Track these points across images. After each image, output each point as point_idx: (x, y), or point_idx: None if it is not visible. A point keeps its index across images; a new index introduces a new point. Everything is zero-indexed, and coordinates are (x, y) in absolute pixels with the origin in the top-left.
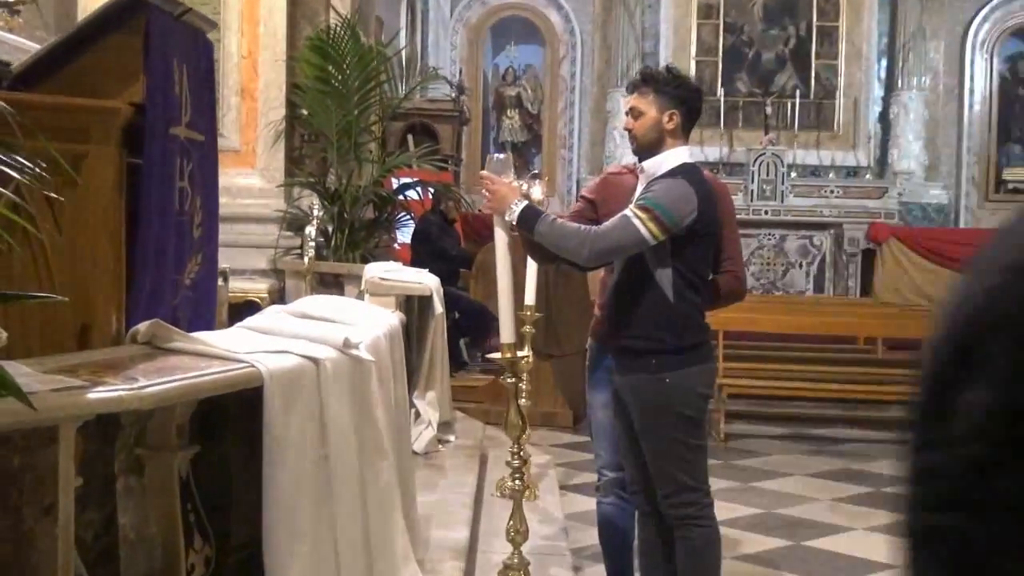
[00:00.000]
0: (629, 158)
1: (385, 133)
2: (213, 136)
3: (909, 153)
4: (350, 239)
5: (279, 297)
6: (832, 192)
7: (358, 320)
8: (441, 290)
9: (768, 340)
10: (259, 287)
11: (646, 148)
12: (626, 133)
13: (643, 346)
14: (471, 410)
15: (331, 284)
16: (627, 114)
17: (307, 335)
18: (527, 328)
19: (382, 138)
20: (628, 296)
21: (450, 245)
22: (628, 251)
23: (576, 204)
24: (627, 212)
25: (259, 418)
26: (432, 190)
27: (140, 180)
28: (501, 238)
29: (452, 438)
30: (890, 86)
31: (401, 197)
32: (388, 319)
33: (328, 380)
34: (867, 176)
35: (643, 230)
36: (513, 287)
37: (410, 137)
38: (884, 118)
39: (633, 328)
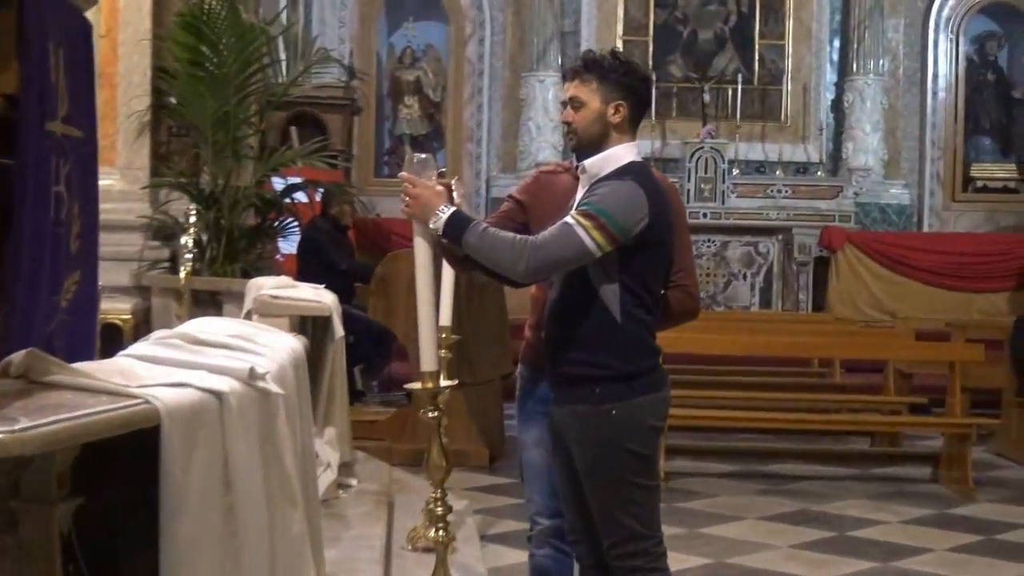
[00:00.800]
0: (546, 154)
1: (265, 125)
2: (93, 133)
3: (866, 147)
4: (228, 250)
5: (144, 319)
6: (780, 192)
7: (260, 346)
8: (340, 309)
9: (710, 363)
10: (121, 307)
11: (588, 144)
12: (548, 126)
13: (585, 372)
14: (372, 448)
15: (207, 303)
16: (564, 105)
17: (206, 365)
18: (443, 353)
19: (263, 131)
20: (568, 315)
21: (341, 256)
22: (570, 264)
23: (503, 205)
24: (568, 220)
25: (153, 463)
26: (321, 191)
27: (10, 184)
28: (422, 249)
29: (354, 482)
30: (844, 70)
31: (288, 200)
32: (291, 345)
33: (233, 417)
34: (819, 173)
35: (587, 240)
36: (436, 309)
37: (294, 130)
38: (837, 107)
39: (573, 352)
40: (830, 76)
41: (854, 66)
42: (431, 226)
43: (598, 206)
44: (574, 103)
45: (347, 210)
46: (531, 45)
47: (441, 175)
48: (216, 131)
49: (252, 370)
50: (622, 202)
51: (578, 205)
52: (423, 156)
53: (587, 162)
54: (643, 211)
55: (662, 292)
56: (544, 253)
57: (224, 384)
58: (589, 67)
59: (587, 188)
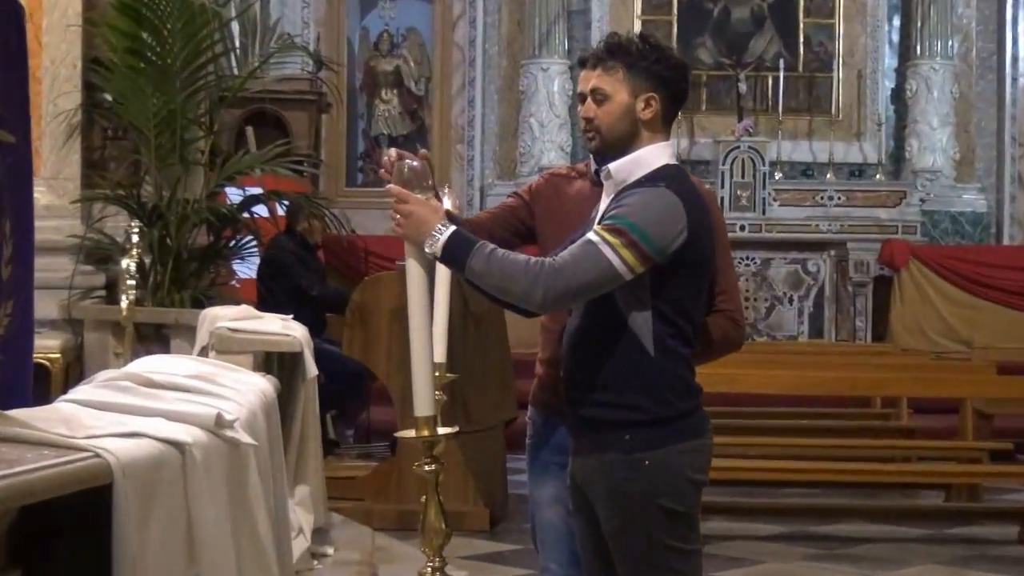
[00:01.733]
0: (551, 157)
1: (218, 126)
2: (27, 137)
3: (933, 144)
4: (176, 275)
5: (76, 358)
6: (831, 199)
7: (224, 388)
8: (312, 344)
9: (750, 405)
10: (48, 344)
11: (612, 145)
12: (554, 123)
13: (613, 416)
14: (350, 510)
15: (151, 338)
16: (583, 98)
17: (163, 411)
18: (437, 394)
19: (215, 133)
20: (592, 349)
21: (310, 281)
22: (596, 290)
23: (506, 200)
24: (592, 236)
25: (104, 528)
26: (286, 204)
27: None
28: (416, 275)
29: (330, 550)
30: (906, 53)
31: (246, 215)
32: (260, 386)
33: (198, 473)
34: (878, 176)
35: (616, 260)
36: (432, 342)
37: (251, 131)
38: (899, 97)
39: (598, 392)
40: (889, 60)
41: (918, 48)
42: (427, 249)
43: (628, 219)
44: (596, 96)
45: (316, 226)
46: (532, 27)
47: (413, 171)
48: (160, 133)
49: (219, 416)
50: (656, 214)
51: (602, 218)
52: (415, 164)
53: (613, 166)
54: (680, 224)
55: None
56: (565, 278)
57: (186, 434)
58: (614, 53)
59: (612, 197)
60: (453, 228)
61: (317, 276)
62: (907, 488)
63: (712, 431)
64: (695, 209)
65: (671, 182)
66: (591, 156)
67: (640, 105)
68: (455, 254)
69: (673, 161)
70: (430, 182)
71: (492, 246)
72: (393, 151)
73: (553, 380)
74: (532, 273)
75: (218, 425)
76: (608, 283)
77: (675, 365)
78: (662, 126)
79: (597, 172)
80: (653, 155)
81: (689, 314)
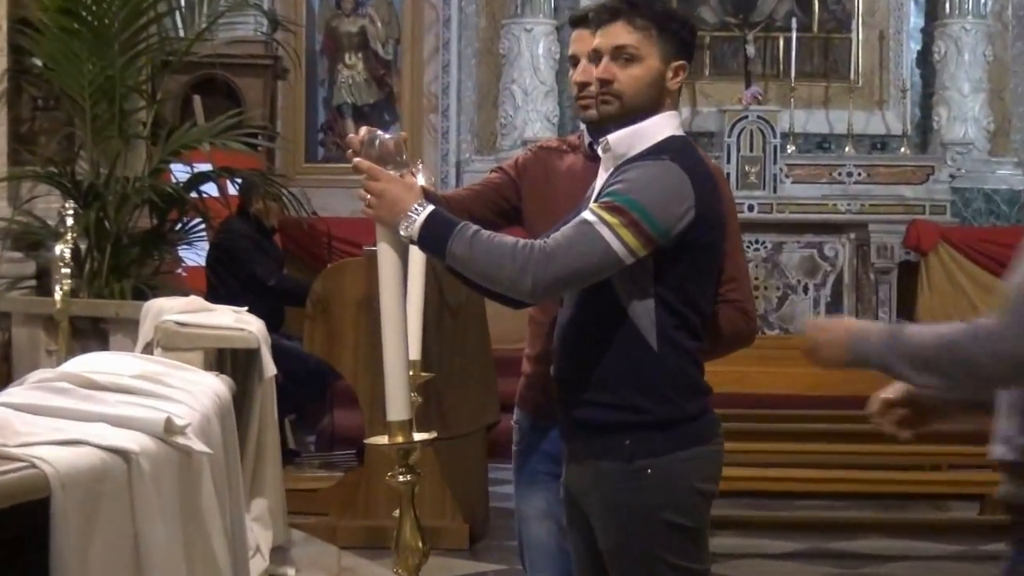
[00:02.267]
0: (536, 129)
1: (161, 95)
2: None
3: (964, 114)
4: (116, 262)
5: (3, 356)
6: (850, 175)
7: (174, 390)
8: (269, 340)
9: (762, 406)
10: None
11: (630, 114)
12: (539, 90)
13: (611, 419)
14: (313, 526)
15: (88, 333)
16: (600, 57)
17: (106, 416)
18: (412, 396)
19: (158, 102)
20: (586, 343)
21: (267, 269)
22: (593, 276)
23: (488, 175)
24: (588, 216)
25: (42, 548)
26: (238, 183)
27: None
28: (388, 261)
29: (291, 571)
30: (934, 12)
31: (194, 194)
32: (214, 388)
33: (145, 484)
34: (902, 150)
35: (615, 242)
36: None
37: (198, 100)
38: (926, 61)
39: (595, 392)
40: (915, 20)
41: (947, 5)
42: (402, 232)
43: (628, 196)
44: (622, 54)
45: (273, 207)
46: None
47: (386, 144)
48: (96, 103)
49: (169, 421)
50: (660, 191)
51: (599, 196)
52: (386, 135)
53: (612, 137)
54: (687, 202)
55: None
56: (558, 264)
57: (132, 441)
58: (642, 9)
59: (611, 173)
60: (431, 208)
61: (274, 264)
62: (937, 499)
63: (723, 436)
64: (704, 186)
65: (677, 155)
66: (584, 127)
67: (670, 73)
68: (434, 237)
69: (680, 132)
70: (403, 156)
71: (475, 227)
72: (363, 130)
73: (542, 379)
74: (521, 258)
75: (168, 431)
76: (606, 268)
77: (680, 361)
78: (677, 97)
79: (592, 145)
80: (657, 126)
81: (696, 304)
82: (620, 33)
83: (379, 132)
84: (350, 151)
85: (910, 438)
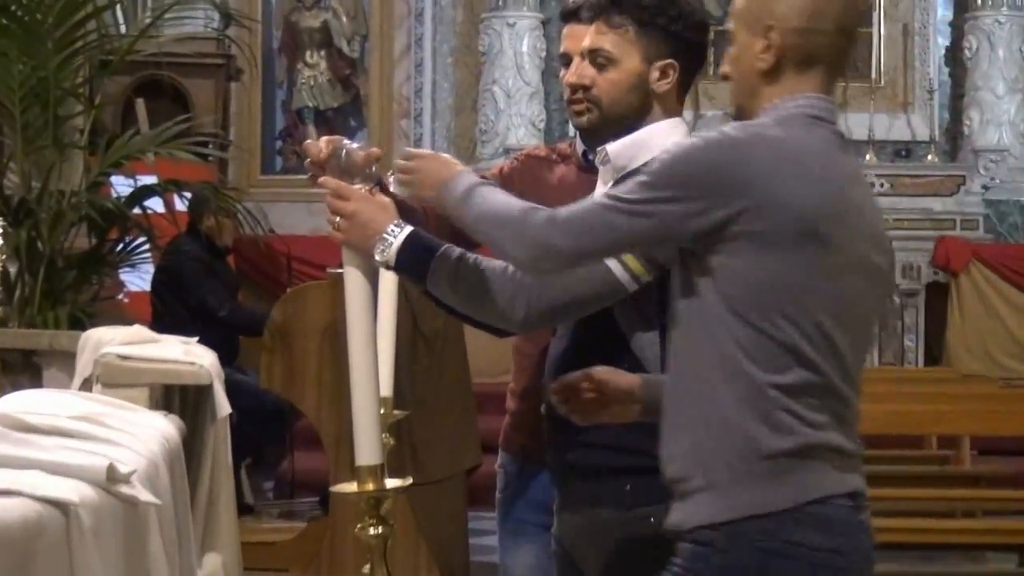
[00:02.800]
0: (520, 135)
1: (100, 99)
2: None
3: (998, 117)
4: (50, 287)
5: None
6: (872, 186)
7: (117, 432)
8: (222, 375)
9: None
10: None
11: (614, 122)
12: (523, 92)
13: (608, 461)
14: None
15: (18, 367)
16: (570, 59)
17: (41, 463)
18: (383, 438)
19: (97, 107)
20: None
21: (218, 296)
22: (592, 305)
23: None
24: None
25: None
26: (187, 198)
27: None
28: (356, 285)
29: None
30: (963, 3)
31: (137, 210)
32: (162, 429)
33: (86, 540)
34: (930, 157)
35: (616, 267)
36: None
37: (141, 103)
38: (955, 58)
39: (591, 432)
40: (943, 12)
41: None
42: (377, 257)
43: None
44: (597, 58)
45: (226, 225)
46: None
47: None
48: (27, 108)
49: (111, 469)
50: None
51: None
52: (353, 145)
53: (611, 148)
54: None
55: None
56: (553, 291)
57: (71, 491)
58: (621, 4)
59: (610, 187)
60: (409, 229)
61: (227, 290)
62: (972, 549)
63: None
64: None
65: None
66: (577, 134)
67: (655, 74)
68: (413, 262)
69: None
70: (374, 169)
71: (459, 251)
72: (324, 140)
73: (530, 417)
74: (511, 285)
75: (111, 480)
76: (607, 296)
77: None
78: (676, 100)
79: (585, 155)
80: (662, 135)
81: None
82: (594, 33)
83: (345, 141)
84: (309, 160)
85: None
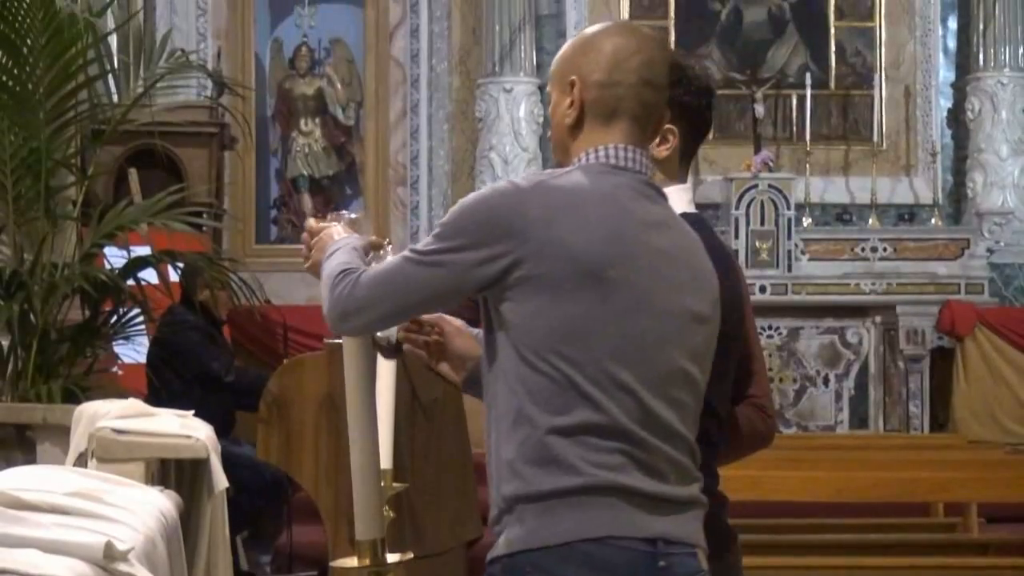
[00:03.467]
0: None
1: (93, 169)
2: None
3: (1002, 179)
4: (43, 360)
5: None
6: (875, 251)
7: (113, 509)
8: (219, 448)
9: (781, 515)
10: None
11: None
12: (521, 157)
13: None
14: None
15: (11, 443)
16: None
17: (36, 541)
18: (384, 510)
19: (89, 178)
20: None
21: (223, 363)
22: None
23: None
24: None
25: None
26: (181, 268)
27: None
28: (355, 355)
29: None
30: (966, 64)
31: (131, 282)
32: (158, 505)
33: None
34: (933, 221)
35: None
36: (376, 443)
37: (133, 174)
38: (957, 119)
39: None
40: (945, 74)
41: (980, 57)
42: (379, 333)
43: None
44: None
45: (222, 296)
46: (491, 36)
47: (353, 223)
48: (19, 179)
49: (109, 546)
50: None
51: None
52: (354, 215)
53: None
54: None
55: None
56: None
57: (68, 569)
58: None
59: None
60: None
61: (224, 357)
62: None
63: (741, 550)
64: (722, 270)
65: None
66: None
67: (655, 141)
68: None
69: (692, 209)
70: (368, 236)
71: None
72: (311, 221)
73: None
74: None
75: (108, 557)
76: None
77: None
78: (679, 165)
79: None
80: (669, 201)
81: (710, 404)
82: None
83: (343, 213)
84: (306, 234)
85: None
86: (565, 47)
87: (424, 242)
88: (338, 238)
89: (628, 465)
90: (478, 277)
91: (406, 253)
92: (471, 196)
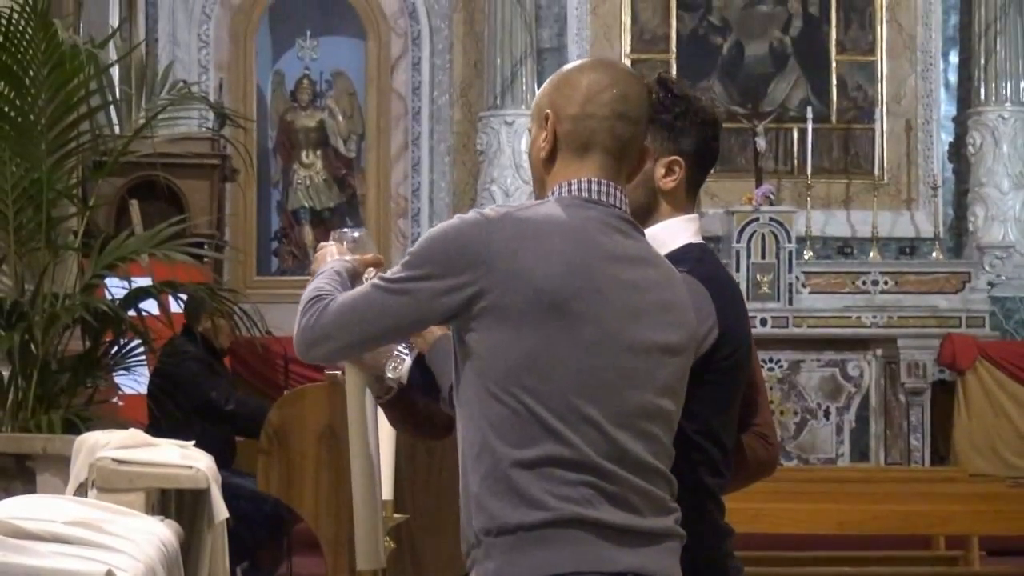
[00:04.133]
0: None
1: (94, 200)
2: None
3: (1003, 213)
4: (43, 390)
5: None
6: (876, 284)
7: (114, 538)
8: (220, 478)
9: (781, 548)
10: None
11: None
12: (523, 190)
13: None
14: None
15: (11, 473)
16: None
17: (37, 570)
18: (385, 541)
19: (90, 208)
20: None
21: (222, 393)
22: None
23: None
24: None
25: None
26: (183, 299)
27: None
28: (356, 388)
29: None
30: (967, 98)
31: (132, 313)
32: (159, 534)
33: None
34: (935, 255)
35: None
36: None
37: (134, 205)
38: (959, 153)
39: None
40: (946, 107)
41: (982, 91)
42: (390, 375)
43: None
44: None
45: (223, 326)
46: (492, 70)
47: (356, 242)
48: (21, 210)
49: (109, 575)
50: None
51: None
52: (356, 234)
53: None
54: (709, 320)
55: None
56: None
57: None
58: None
59: None
60: (441, 331)
61: (225, 388)
62: None
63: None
64: (727, 299)
65: (696, 266)
66: None
67: (660, 171)
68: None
69: (698, 239)
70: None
71: None
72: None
73: None
74: None
75: None
76: None
77: (698, 501)
78: (686, 196)
79: None
80: (672, 232)
81: (718, 433)
82: None
83: (345, 232)
84: (314, 267)
85: None
86: (545, 84)
87: (393, 270)
88: (329, 261)
89: (596, 498)
90: (442, 306)
91: (375, 280)
92: (440, 226)
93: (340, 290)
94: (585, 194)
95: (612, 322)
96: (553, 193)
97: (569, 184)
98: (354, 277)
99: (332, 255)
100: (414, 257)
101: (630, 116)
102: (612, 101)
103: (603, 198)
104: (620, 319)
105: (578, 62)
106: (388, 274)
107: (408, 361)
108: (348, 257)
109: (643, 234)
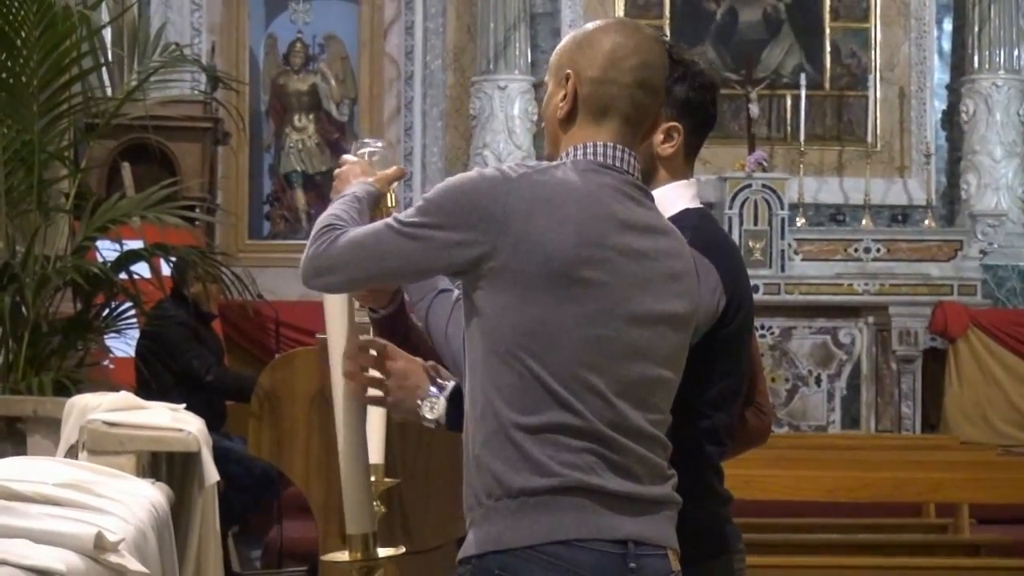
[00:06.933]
0: None
1: (86, 162)
2: None
3: (996, 181)
4: (34, 353)
5: None
6: (868, 251)
7: (104, 500)
8: (210, 441)
9: (772, 514)
10: None
11: None
12: (516, 155)
13: None
14: None
15: (2, 434)
16: None
17: (27, 531)
18: (375, 505)
19: (82, 171)
20: None
21: (204, 360)
22: None
23: None
24: None
25: None
26: (172, 262)
27: None
28: (338, 338)
29: None
30: (961, 65)
31: (123, 276)
32: (150, 497)
33: None
34: (927, 222)
35: None
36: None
37: (126, 167)
38: (952, 121)
39: None
40: (940, 75)
41: (975, 59)
42: (428, 415)
43: None
44: None
45: (213, 290)
46: (486, 34)
47: (376, 156)
48: (11, 172)
49: (99, 537)
50: None
51: None
52: (378, 144)
53: None
54: (716, 292)
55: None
56: None
57: (58, 560)
58: None
59: None
60: (452, 383)
61: (213, 355)
62: None
63: (745, 550)
64: (729, 265)
65: (696, 232)
66: None
67: (659, 137)
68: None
69: (696, 204)
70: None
71: None
72: (344, 157)
73: None
74: None
75: (99, 548)
76: None
77: (697, 468)
78: (684, 162)
79: None
80: (670, 198)
81: (724, 402)
82: None
83: (368, 141)
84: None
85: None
86: (565, 39)
87: (407, 212)
88: (352, 183)
89: (599, 465)
90: (450, 258)
91: (388, 220)
92: (458, 176)
93: (357, 219)
94: (601, 159)
95: (619, 291)
96: (568, 154)
97: (585, 147)
98: (376, 200)
99: (355, 175)
100: (429, 203)
101: (651, 85)
102: (634, 68)
103: (618, 164)
104: (627, 288)
105: (601, 22)
106: (403, 216)
107: (443, 400)
108: (370, 179)
109: (654, 201)
